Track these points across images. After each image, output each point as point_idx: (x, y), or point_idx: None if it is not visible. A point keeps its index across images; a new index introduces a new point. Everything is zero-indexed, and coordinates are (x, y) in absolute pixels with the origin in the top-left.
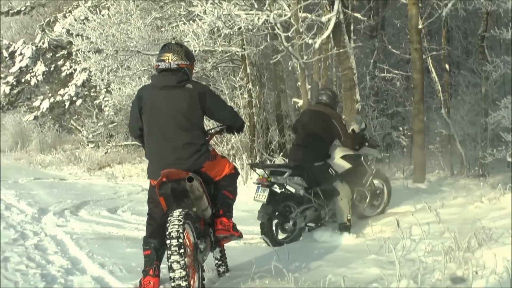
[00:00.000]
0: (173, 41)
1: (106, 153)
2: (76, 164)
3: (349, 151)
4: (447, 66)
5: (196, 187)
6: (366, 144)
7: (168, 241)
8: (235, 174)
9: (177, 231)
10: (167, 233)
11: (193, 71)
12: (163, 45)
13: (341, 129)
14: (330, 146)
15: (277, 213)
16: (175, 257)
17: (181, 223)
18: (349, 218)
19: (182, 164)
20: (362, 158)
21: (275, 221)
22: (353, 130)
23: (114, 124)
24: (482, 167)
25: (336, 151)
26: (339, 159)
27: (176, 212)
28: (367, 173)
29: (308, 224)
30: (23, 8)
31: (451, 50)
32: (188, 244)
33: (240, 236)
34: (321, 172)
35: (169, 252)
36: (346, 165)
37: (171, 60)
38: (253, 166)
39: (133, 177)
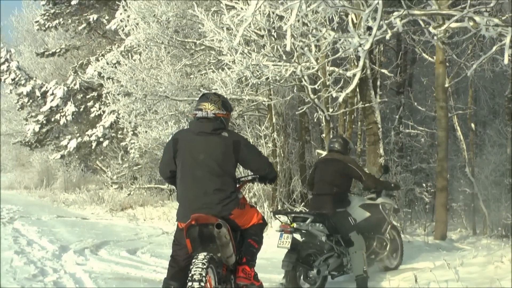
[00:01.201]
0: (201, 88)
1: (129, 194)
2: (98, 204)
3: (367, 201)
4: (473, 125)
5: (223, 234)
6: (392, 185)
7: (189, 283)
8: (263, 224)
9: (200, 274)
10: (190, 275)
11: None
12: (201, 94)
13: (359, 170)
14: (348, 192)
15: (300, 261)
16: None
17: (205, 266)
18: (365, 269)
19: (211, 209)
20: (380, 207)
21: (298, 270)
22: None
23: (139, 166)
24: (506, 228)
25: (354, 200)
26: (358, 208)
27: (201, 255)
28: (385, 221)
29: (331, 272)
30: (58, 50)
31: (478, 110)
32: None
33: (260, 286)
34: (342, 219)
35: None
36: (365, 213)
37: (208, 109)
38: (276, 213)
39: (154, 220)
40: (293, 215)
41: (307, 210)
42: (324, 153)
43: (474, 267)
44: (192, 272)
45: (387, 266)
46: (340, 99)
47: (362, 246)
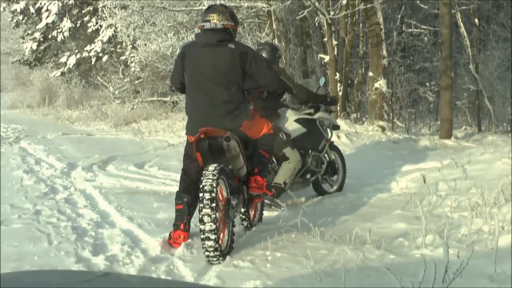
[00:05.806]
0: None
1: (132, 109)
2: (102, 119)
3: (303, 115)
4: (476, 20)
5: (233, 146)
6: (328, 99)
7: (201, 194)
8: (273, 133)
9: (211, 185)
10: (201, 186)
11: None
12: (208, 6)
13: (289, 81)
14: (278, 105)
15: None
16: (207, 210)
17: (215, 177)
18: (286, 181)
19: (221, 121)
20: (318, 122)
21: None
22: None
23: (140, 80)
24: (511, 123)
25: (289, 114)
26: (292, 122)
27: (212, 167)
28: (323, 138)
29: None
30: None
31: (481, 4)
32: (221, 198)
33: (273, 195)
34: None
35: (201, 205)
36: (301, 129)
37: (216, 20)
38: None
39: (159, 133)
40: None
41: None
42: (326, 57)
43: (482, 165)
44: (203, 183)
45: (324, 190)
46: (344, 1)
47: (297, 162)
